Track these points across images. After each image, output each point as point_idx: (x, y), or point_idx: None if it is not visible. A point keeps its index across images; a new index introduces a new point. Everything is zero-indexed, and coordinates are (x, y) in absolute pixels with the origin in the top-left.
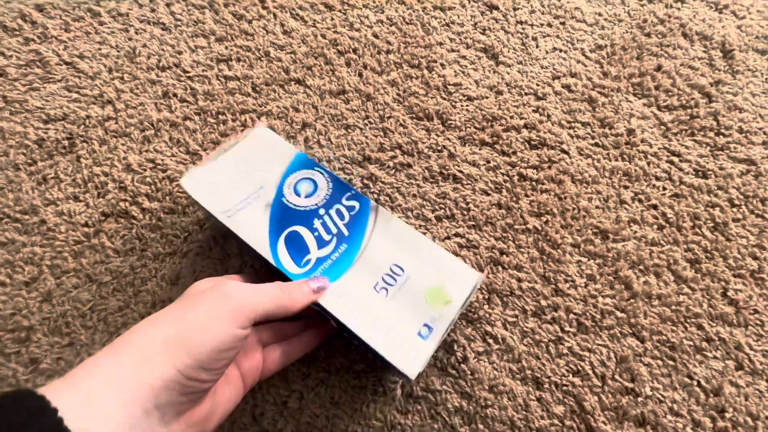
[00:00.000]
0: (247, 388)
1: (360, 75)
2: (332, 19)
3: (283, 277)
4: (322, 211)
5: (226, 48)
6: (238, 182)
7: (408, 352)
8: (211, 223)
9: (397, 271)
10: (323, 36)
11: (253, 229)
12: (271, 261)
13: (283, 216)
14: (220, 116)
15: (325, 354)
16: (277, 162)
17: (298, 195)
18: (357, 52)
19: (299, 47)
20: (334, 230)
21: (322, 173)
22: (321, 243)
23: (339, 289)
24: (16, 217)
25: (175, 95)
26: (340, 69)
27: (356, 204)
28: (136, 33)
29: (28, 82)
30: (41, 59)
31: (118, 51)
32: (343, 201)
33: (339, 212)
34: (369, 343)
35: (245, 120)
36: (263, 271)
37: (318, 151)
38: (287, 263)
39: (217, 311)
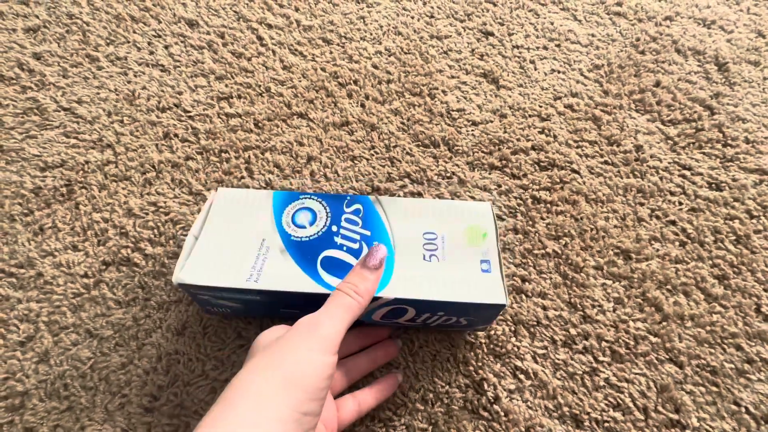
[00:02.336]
0: None
1: (362, 106)
2: (331, 52)
3: None
4: (334, 228)
5: (227, 86)
6: (238, 247)
7: (488, 289)
8: (221, 311)
9: (430, 236)
10: (323, 69)
11: (287, 276)
12: (326, 291)
13: (305, 251)
14: (222, 154)
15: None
16: (258, 210)
17: (303, 227)
18: (358, 83)
19: (300, 81)
20: (357, 237)
21: (309, 198)
22: (354, 253)
23: (400, 277)
24: (11, 272)
25: (176, 135)
26: (342, 101)
27: (359, 206)
28: (135, 76)
29: (25, 130)
30: (39, 106)
31: (117, 94)
32: (346, 209)
33: (349, 220)
34: (456, 301)
35: (249, 156)
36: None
37: (325, 185)
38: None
39: (308, 344)
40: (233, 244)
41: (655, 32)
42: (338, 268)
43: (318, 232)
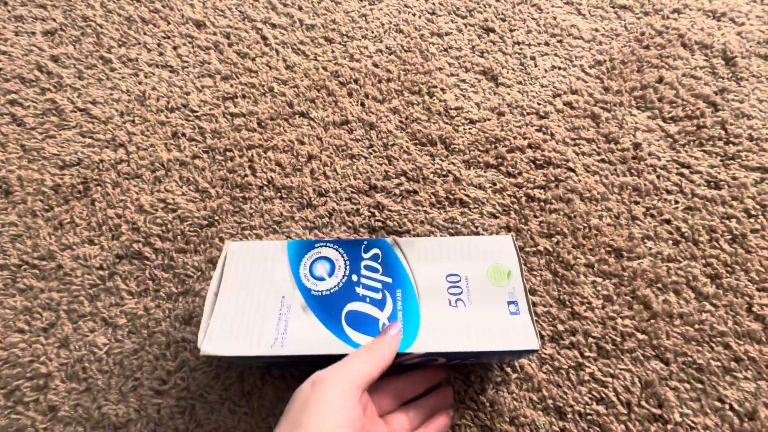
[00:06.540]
0: None
1: (362, 105)
2: (333, 51)
3: None
4: (354, 277)
5: (232, 86)
6: (258, 307)
7: (518, 333)
8: (245, 365)
9: (454, 278)
10: (325, 68)
11: (311, 336)
12: (352, 349)
13: (327, 306)
14: (227, 153)
15: None
16: (274, 263)
17: (322, 279)
18: (358, 82)
19: (302, 81)
20: (379, 285)
21: (325, 246)
22: (378, 304)
23: (427, 328)
24: (34, 263)
25: (183, 135)
26: (343, 100)
27: (377, 251)
28: (146, 77)
29: (45, 130)
30: (57, 107)
31: (129, 95)
32: (364, 256)
33: (369, 267)
34: (487, 350)
35: (252, 155)
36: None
37: (324, 183)
38: (365, 341)
39: (323, 398)
40: (253, 304)
41: (661, 26)
42: (363, 323)
43: (338, 283)
